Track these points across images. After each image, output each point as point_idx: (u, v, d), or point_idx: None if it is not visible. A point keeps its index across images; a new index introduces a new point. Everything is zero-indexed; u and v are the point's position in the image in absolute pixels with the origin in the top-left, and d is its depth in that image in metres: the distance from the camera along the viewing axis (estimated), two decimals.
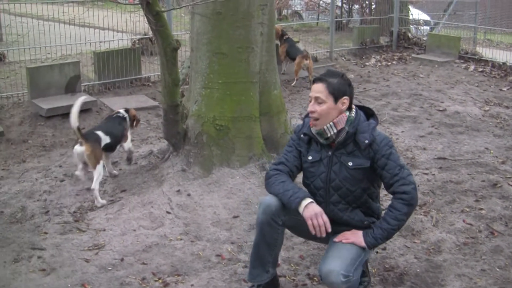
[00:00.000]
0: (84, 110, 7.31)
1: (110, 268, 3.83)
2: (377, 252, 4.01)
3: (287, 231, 3.41)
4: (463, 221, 4.52)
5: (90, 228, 4.40)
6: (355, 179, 3.14)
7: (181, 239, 4.24)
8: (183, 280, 3.71)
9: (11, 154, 6.13)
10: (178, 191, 4.90)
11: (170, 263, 3.91)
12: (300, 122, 6.94)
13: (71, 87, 7.66)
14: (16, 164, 5.84)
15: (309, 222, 3.03)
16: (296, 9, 17.14)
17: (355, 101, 3.30)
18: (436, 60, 10.68)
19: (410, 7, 13.72)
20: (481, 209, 4.72)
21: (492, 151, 6.13)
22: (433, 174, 5.48)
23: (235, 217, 4.60)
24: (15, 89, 7.76)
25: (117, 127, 5.28)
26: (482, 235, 4.32)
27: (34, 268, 3.82)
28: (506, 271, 3.82)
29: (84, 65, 8.55)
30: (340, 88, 3.12)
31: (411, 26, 13.38)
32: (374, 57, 11.33)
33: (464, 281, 3.70)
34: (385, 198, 4.46)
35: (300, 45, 9.88)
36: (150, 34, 9.94)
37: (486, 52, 11.34)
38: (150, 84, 8.74)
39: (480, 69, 10.20)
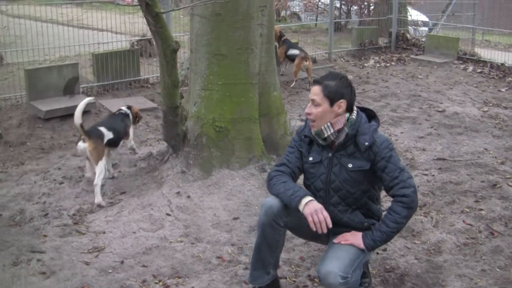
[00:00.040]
0: (83, 112, 7.21)
1: (110, 271, 3.81)
2: (377, 253, 4.01)
3: (288, 232, 3.40)
4: (463, 221, 4.51)
5: (90, 230, 4.39)
6: (355, 181, 3.14)
7: (181, 241, 4.23)
8: (183, 283, 3.70)
9: (10, 157, 6.12)
10: (178, 193, 4.89)
11: (171, 265, 3.90)
12: (299, 123, 7.01)
13: (70, 89, 7.64)
14: (15, 167, 5.83)
15: (310, 219, 3.01)
16: (294, 10, 17.15)
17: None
18: (435, 61, 10.68)
19: (409, 8, 13.72)
20: (481, 209, 4.71)
21: (491, 152, 6.13)
22: (433, 175, 5.47)
23: (235, 218, 4.59)
24: (13, 91, 7.74)
25: (120, 123, 5.37)
26: (482, 235, 4.32)
27: (34, 271, 3.80)
28: (506, 271, 3.82)
29: (82, 66, 8.53)
30: (337, 91, 3.12)
31: (409, 27, 13.39)
32: (373, 58, 11.33)
33: (464, 282, 3.70)
34: (385, 199, 4.45)
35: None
36: (149, 35, 9.96)
37: (484, 53, 11.34)
38: (149, 85, 8.73)
39: (479, 70, 10.21)
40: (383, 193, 3.35)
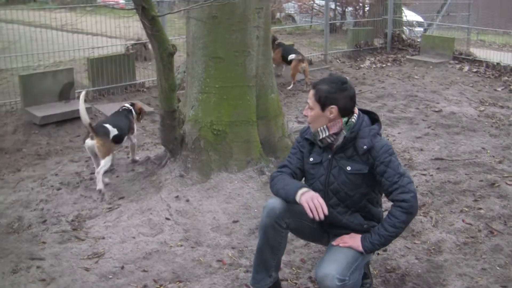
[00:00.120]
0: (79, 118, 7.21)
1: (110, 277, 3.79)
2: (378, 254, 4.00)
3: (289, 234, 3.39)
4: (463, 221, 4.51)
5: (89, 236, 4.36)
6: (354, 184, 3.13)
7: (181, 245, 4.21)
8: (184, 287, 3.69)
9: (5, 164, 6.08)
10: (177, 197, 4.87)
11: (171, 269, 3.88)
12: (297, 125, 7.01)
13: (65, 94, 7.63)
14: (11, 174, 5.79)
15: (306, 206, 2.99)
16: (289, 12, 17.17)
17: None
18: (431, 61, 10.71)
19: (403, 8, 13.76)
20: (480, 208, 4.71)
21: (488, 151, 6.14)
22: (431, 175, 5.47)
23: (234, 221, 4.58)
24: (7, 97, 7.72)
25: (124, 120, 5.57)
26: (481, 234, 4.32)
27: (34, 278, 3.77)
28: (506, 270, 3.82)
29: (77, 71, 8.51)
30: (328, 97, 3.10)
31: (404, 28, 13.42)
32: (369, 59, 11.35)
33: (465, 281, 3.70)
34: (386, 200, 4.44)
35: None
36: (143, 39, 9.97)
37: (480, 53, 11.39)
38: (145, 89, 8.72)
39: (475, 70, 10.24)
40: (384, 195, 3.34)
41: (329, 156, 3.19)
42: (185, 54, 5.70)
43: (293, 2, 16.51)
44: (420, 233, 4.35)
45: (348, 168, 3.12)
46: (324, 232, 3.37)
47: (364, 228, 3.19)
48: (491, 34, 14.10)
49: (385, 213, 3.14)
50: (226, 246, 4.22)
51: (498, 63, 10.29)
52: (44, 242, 4.27)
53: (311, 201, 3.00)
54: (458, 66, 10.54)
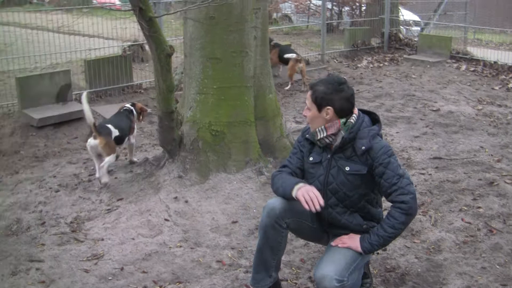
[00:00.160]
0: (77, 119, 7.29)
1: (110, 278, 3.78)
2: (377, 253, 4.00)
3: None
4: (462, 219, 4.51)
5: (88, 238, 4.36)
6: (353, 185, 3.12)
7: (180, 246, 4.21)
8: None
9: (3, 166, 6.06)
10: (176, 198, 4.87)
11: (171, 270, 3.87)
12: (295, 125, 7.01)
13: (62, 96, 7.61)
14: (9, 176, 5.77)
15: (302, 199, 3.00)
16: (286, 12, 17.17)
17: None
18: (428, 60, 10.72)
19: (400, 8, 13.77)
20: (479, 207, 4.72)
21: (487, 150, 6.14)
22: (430, 174, 5.47)
23: (234, 222, 4.57)
24: (4, 99, 7.70)
25: (125, 121, 5.63)
26: (481, 233, 4.32)
27: (33, 280, 3.77)
28: (506, 268, 3.82)
29: (74, 73, 8.50)
30: (324, 98, 3.10)
31: (401, 27, 13.43)
32: (366, 59, 11.35)
33: (465, 279, 3.69)
34: (386, 200, 4.44)
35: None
36: (140, 40, 9.96)
37: (477, 52, 11.40)
38: (142, 91, 8.71)
39: (472, 69, 10.25)
40: None
41: (328, 156, 3.19)
42: (182, 55, 5.70)
43: (289, 2, 16.51)
44: (419, 232, 4.35)
45: (347, 168, 3.12)
46: (324, 232, 3.37)
47: (363, 228, 3.19)
48: (488, 33, 14.11)
49: (385, 213, 3.13)
50: (225, 246, 4.22)
51: (495, 62, 10.30)
52: (43, 244, 4.26)
53: (307, 194, 3.01)
54: (455, 65, 10.55)
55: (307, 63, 10.41)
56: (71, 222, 4.65)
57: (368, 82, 9.59)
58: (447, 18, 13.36)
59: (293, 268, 3.89)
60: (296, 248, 4.15)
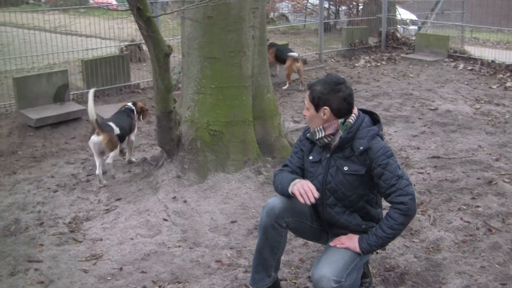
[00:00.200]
0: (74, 119, 7.28)
1: (109, 278, 3.78)
2: (377, 253, 3.99)
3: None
4: (461, 219, 4.51)
5: (87, 238, 4.35)
6: (351, 185, 3.11)
7: (179, 246, 4.20)
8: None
9: (1, 166, 6.04)
10: (174, 198, 4.86)
11: (170, 270, 3.86)
12: (293, 125, 7.00)
13: (60, 96, 7.61)
14: (7, 176, 5.76)
15: (297, 193, 3.01)
16: (283, 11, 17.17)
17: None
18: (426, 59, 10.73)
19: (397, 7, 13.78)
20: (478, 206, 4.71)
21: (485, 149, 6.15)
22: (428, 173, 5.47)
23: (232, 222, 4.57)
24: (1, 99, 7.69)
25: (126, 119, 5.71)
26: (480, 232, 4.32)
27: (32, 281, 3.75)
28: (505, 267, 3.81)
29: (71, 73, 8.49)
30: (321, 98, 3.10)
31: (398, 26, 13.44)
32: (364, 58, 11.36)
33: (464, 279, 3.69)
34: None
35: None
36: (137, 40, 9.94)
37: (474, 51, 11.40)
38: (140, 91, 8.70)
39: (469, 68, 10.26)
40: None
41: (328, 155, 3.19)
42: (179, 55, 5.69)
43: (286, 1, 16.50)
44: (418, 232, 4.35)
45: (345, 168, 3.11)
46: (323, 231, 3.37)
47: (362, 228, 3.18)
48: (485, 31, 14.13)
49: (385, 213, 3.13)
50: (224, 246, 4.21)
51: (493, 61, 10.31)
52: (41, 245, 4.25)
53: (301, 188, 3.02)
54: (453, 64, 10.56)
55: (305, 62, 10.42)
56: (69, 222, 4.64)
57: (365, 81, 9.59)
58: (444, 17, 13.37)
59: (292, 268, 3.88)
60: (295, 248, 4.14)
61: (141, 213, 4.65)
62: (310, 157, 3.26)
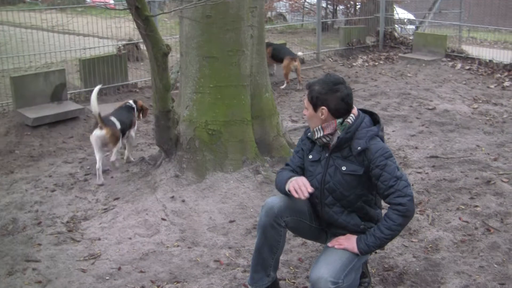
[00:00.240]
0: (72, 119, 7.26)
1: (107, 278, 3.77)
2: (376, 253, 3.99)
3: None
4: (459, 218, 4.51)
5: (85, 237, 4.34)
6: (349, 185, 3.11)
7: (178, 246, 4.19)
8: (182, 287, 3.66)
9: None
10: (172, 197, 4.85)
11: (169, 270, 3.85)
12: (291, 124, 7.00)
13: (57, 95, 7.58)
14: (4, 175, 5.74)
15: (292, 189, 3.06)
16: (280, 11, 17.17)
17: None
18: (423, 59, 10.74)
19: (395, 6, 13.79)
20: (476, 206, 4.71)
21: (483, 148, 6.15)
22: (427, 173, 5.47)
23: (231, 221, 4.56)
24: None
25: (126, 115, 5.79)
26: (478, 232, 4.32)
27: (30, 280, 3.74)
28: (504, 267, 3.82)
29: (69, 72, 8.46)
30: (318, 97, 3.10)
31: (396, 26, 13.45)
32: (361, 57, 11.36)
33: (463, 278, 3.69)
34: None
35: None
36: (135, 40, 9.92)
37: (471, 50, 11.41)
38: (137, 90, 8.68)
39: (467, 67, 10.27)
40: None
41: (327, 155, 3.18)
42: (177, 54, 5.67)
43: (284, 0, 16.50)
44: (417, 231, 4.34)
45: (343, 168, 3.10)
46: (322, 230, 3.37)
47: (361, 228, 3.17)
48: (482, 31, 14.14)
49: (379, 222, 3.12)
50: (223, 246, 4.20)
51: (490, 61, 10.32)
52: (39, 244, 4.24)
53: (296, 183, 3.06)
54: (450, 63, 10.57)
55: (302, 62, 10.41)
56: (67, 222, 4.63)
57: (363, 80, 9.60)
58: (441, 17, 13.38)
59: (291, 268, 3.88)
60: (294, 248, 4.14)
61: (139, 213, 4.64)
62: (310, 156, 3.26)
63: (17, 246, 4.21)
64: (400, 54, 11.39)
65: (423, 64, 10.56)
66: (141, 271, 3.84)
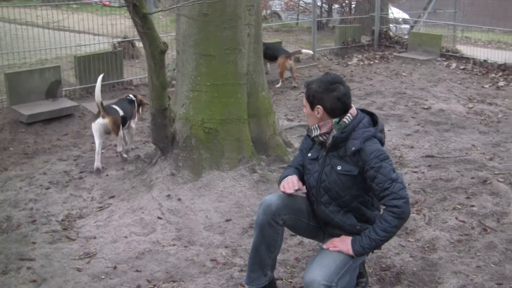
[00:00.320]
0: (67, 116, 7.22)
1: (103, 277, 3.74)
2: (373, 252, 3.96)
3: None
4: (456, 218, 4.51)
5: (80, 236, 4.30)
6: (344, 185, 3.09)
7: (174, 245, 4.17)
8: (178, 287, 3.64)
9: None
10: (168, 195, 4.83)
11: (165, 269, 3.83)
12: (286, 123, 6.98)
13: (52, 92, 7.54)
14: None
15: (281, 187, 3.21)
16: (275, 9, 17.15)
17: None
18: (418, 58, 10.75)
19: (390, 5, 13.80)
20: (473, 206, 4.71)
21: (479, 148, 6.16)
22: (423, 172, 5.47)
23: (227, 220, 4.54)
24: None
25: (128, 106, 5.97)
26: (475, 231, 4.32)
27: (24, 279, 3.71)
28: (501, 267, 3.82)
29: (63, 69, 8.40)
30: (315, 96, 3.09)
31: (391, 25, 13.46)
32: (356, 56, 11.36)
33: (460, 278, 3.69)
34: None
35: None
36: (130, 37, 9.88)
37: (465, 50, 11.44)
38: (133, 87, 8.65)
39: (462, 67, 10.29)
40: None
41: (324, 153, 3.18)
42: (172, 52, 5.65)
43: None
44: (413, 231, 4.34)
45: (339, 167, 3.09)
46: (320, 229, 3.36)
47: (357, 229, 3.15)
48: (476, 31, 14.18)
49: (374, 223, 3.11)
50: (219, 245, 4.19)
51: (485, 60, 10.34)
52: (34, 243, 4.20)
53: (286, 181, 3.21)
54: (445, 63, 10.58)
55: (298, 60, 10.40)
56: (62, 220, 4.59)
57: (358, 79, 9.59)
58: (436, 16, 13.40)
59: (288, 267, 3.86)
60: (291, 247, 4.13)
61: (135, 211, 4.62)
62: (309, 154, 3.27)
63: (11, 244, 4.17)
64: (395, 54, 11.40)
65: (418, 64, 10.56)
66: (137, 270, 3.82)
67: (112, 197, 4.97)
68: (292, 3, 15.99)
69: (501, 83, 9.24)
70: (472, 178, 5.26)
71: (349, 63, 10.93)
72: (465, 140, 6.43)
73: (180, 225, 4.44)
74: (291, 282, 3.69)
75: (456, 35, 13.17)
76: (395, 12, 14.08)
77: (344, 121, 3.09)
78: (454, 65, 10.40)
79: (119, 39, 9.66)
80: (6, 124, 6.94)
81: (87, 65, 8.10)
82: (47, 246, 4.16)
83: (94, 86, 8.01)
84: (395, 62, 10.92)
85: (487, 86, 9.14)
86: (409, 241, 4.19)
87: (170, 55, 8.02)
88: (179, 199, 4.79)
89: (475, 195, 4.91)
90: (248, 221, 4.51)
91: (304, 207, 3.29)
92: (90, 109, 7.49)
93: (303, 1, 15.69)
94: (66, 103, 7.42)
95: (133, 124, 6.03)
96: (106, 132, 5.57)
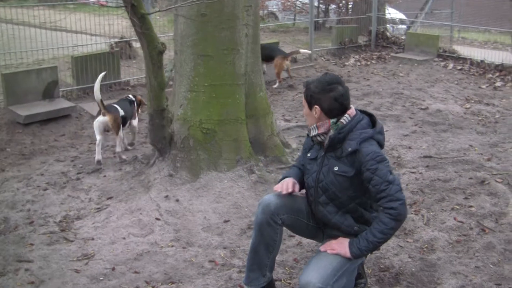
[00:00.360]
0: (64, 116, 7.20)
1: (101, 278, 3.73)
2: (371, 253, 3.97)
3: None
4: (454, 219, 4.51)
5: (78, 237, 4.29)
6: (341, 186, 3.08)
7: (172, 246, 4.16)
8: None
9: None
10: (166, 196, 4.81)
11: (163, 270, 3.82)
12: (284, 123, 6.97)
13: (49, 92, 7.52)
14: None
15: (275, 188, 3.24)
16: (272, 9, 17.14)
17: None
18: (415, 58, 10.76)
19: (387, 6, 13.81)
20: (471, 206, 4.71)
21: (476, 148, 6.16)
22: (421, 173, 5.47)
23: (225, 221, 4.53)
24: None
25: (128, 106, 6.10)
26: (473, 232, 4.32)
27: (22, 281, 3.69)
28: (499, 267, 3.82)
29: (60, 70, 8.38)
30: (312, 96, 3.10)
31: (388, 25, 13.47)
32: (353, 57, 11.36)
33: (459, 279, 3.69)
34: None
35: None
36: (127, 37, 9.86)
37: (462, 50, 11.45)
38: (130, 88, 8.63)
39: (459, 67, 10.30)
40: None
41: (322, 153, 3.17)
42: (170, 52, 5.64)
43: None
44: (412, 232, 4.34)
45: (336, 168, 3.08)
46: (319, 229, 3.35)
47: (354, 230, 3.14)
48: (473, 31, 14.20)
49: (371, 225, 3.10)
50: (217, 246, 4.18)
51: (482, 61, 10.35)
52: (31, 244, 4.19)
53: (281, 183, 3.26)
54: (442, 63, 10.59)
55: (295, 60, 10.40)
56: (60, 221, 4.58)
57: (355, 80, 9.59)
58: (433, 17, 13.42)
59: (287, 268, 3.86)
60: (289, 248, 4.12)
61: (133, 212, 4.60)
62: (308, 154, 3.28)
63: (8, 246, 4.16)
64: (392, 54, 11.41)
65: (415, 64, 10.58)
66: (136, 272, 3.81)
67: (110, 198, 4.96)
68: (289, 3, 15.98)
69: (498, 84, 9.25)
70: (470, 178, 5.26)
71: (346, 63, 10.93)
72: (463, 141, 6.43)
73: (178, 226, 4.43)
74: (289, 283, 3.69)
75: (453, 36, 13.19)
76: (392, 13, 14.08)
77: (342, 122, 3.08)
78: (451, 65, 10.42)
79: (116, 40, 9.64)
80: (3, 124, 6.93)
81: (84, 65, 8.08)
82: (45, 247, 4.14)
83: (92, 87, 8.06)
84: (392, 62, 10.92)
85: (484, 86, 9.15)
86: (407, 241, 4.19)
87: (168, 56, 8.00)
88: (177, 200, 4.78)
89: (473, 195, 4.91)
90: (246, 222, 4.51)
91: (304, 207, 3.28)
92: (87, 110, 7.48)
93: (299, 1, 15.69)
94: (63, 104, 7.40)
95: (134, 122, 6.18)
96: (106, 130, 5.68)
